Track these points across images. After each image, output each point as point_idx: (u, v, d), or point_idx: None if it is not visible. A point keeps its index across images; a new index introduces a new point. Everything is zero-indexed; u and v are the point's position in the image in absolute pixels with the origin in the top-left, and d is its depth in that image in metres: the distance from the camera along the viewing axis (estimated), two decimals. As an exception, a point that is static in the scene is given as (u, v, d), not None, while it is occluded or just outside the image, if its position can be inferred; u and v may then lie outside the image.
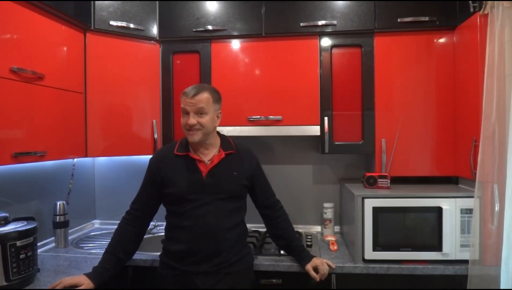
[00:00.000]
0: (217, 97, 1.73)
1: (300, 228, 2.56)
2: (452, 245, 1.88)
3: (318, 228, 2.60)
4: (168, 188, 1.70)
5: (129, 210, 1.80)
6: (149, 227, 2.50)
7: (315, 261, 1.80)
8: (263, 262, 1.93)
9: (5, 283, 1.51)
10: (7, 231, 1.53)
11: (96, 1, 2.17)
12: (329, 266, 1.82)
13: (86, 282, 1.59)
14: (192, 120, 1.64)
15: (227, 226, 1.69)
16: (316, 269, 1.78)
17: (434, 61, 2.16)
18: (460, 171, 2.10)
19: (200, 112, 1.65)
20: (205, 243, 1.65)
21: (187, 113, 1.66)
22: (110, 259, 1.71)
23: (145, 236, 2.47)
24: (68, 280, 1.57)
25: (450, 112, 2.14)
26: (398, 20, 2.15)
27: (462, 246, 1.88)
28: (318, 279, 1.76)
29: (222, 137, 1.83)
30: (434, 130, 2.17)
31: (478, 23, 1.85)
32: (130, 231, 1.77)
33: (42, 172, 2.20)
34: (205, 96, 1.66)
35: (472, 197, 1.84)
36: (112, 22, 2.21)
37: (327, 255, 2.05)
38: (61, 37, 2.00)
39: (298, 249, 1.87)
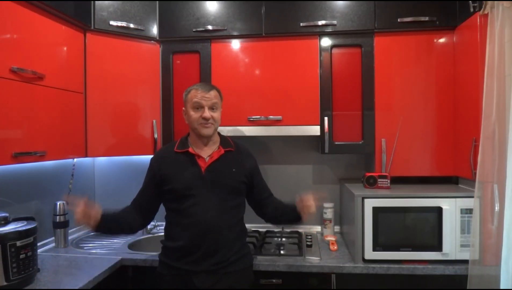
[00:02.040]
0: (221, 95, 1.83)
1: (300, 228, 2.56)
2: (452, 245, 1.88)
3: (318, 228, 2.60)
4: (168, 184, 1.71)
5: (130, 205, 1.81)
6: (149, 227, 2.51)
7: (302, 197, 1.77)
8: (263, 262, 1.93)
9: (5, 283, 1.51)
10: (7, 231, 1.53)
11: (96, 1, 2.17)
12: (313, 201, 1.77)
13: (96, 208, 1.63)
14: (208, 113, 1.70)
15: (226, 223, 1.69)
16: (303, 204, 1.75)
17: (434, 61, 2.16)
18: (460, 171, 2.10)
19: (213, 107, 1.73)
20: (204, 240, 1.65)
21: (200, 107, 1.72)
22: (114, 213, 1.74)
23: (145, 236, 2.49)
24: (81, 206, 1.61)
25: (450, 112, 2.14)
26: (398, 20, 2.15)
27: (462, 246, 1.88)
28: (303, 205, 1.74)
29: (222, 136, 1.86)
30: (434, 130, 2.17)
31: (478, 23, 1.85)
32: (133, 217, 1.78)
33: (42, 172, 2.20)
34: (216, 93, 1.77)
35: (472, 197, 1.84)
36: (112, 22, 2.21)
37: (327, 255, 2.05)
38: (61, 37, 2.00)
39: (290, 204, 1.83)
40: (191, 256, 1.66)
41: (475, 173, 1.84)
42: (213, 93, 1.74)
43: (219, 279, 1.66)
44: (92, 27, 2.18)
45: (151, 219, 1.86)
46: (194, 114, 1.72)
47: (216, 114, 1.74)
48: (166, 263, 1.72)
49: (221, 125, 1.99)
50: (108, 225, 1.71)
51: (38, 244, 1.89)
